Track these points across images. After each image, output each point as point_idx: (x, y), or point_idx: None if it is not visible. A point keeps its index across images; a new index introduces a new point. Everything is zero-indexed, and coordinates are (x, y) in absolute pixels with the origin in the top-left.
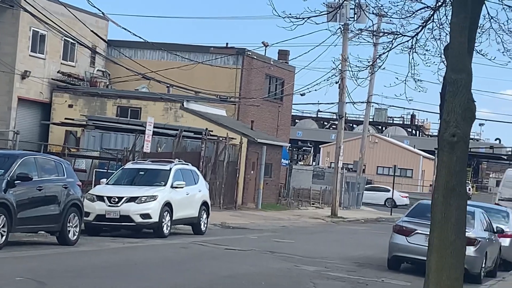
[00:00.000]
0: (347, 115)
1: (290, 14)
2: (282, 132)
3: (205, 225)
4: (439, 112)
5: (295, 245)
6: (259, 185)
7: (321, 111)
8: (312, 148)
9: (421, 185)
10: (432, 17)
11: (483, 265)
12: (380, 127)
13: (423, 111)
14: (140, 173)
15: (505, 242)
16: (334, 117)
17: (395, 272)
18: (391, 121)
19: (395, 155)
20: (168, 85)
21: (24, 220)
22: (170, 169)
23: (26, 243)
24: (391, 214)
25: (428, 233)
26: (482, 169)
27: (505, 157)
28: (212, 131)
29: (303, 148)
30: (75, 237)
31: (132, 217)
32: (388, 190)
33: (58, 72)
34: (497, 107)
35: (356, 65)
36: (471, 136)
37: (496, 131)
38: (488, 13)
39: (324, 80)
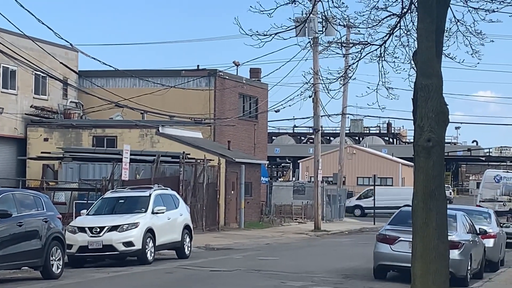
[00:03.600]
0: (323, 128)
1: (257, 31)
2: (259, 150)
3: (189, 249)
4: (413, 118)
5: (280, 262)
6: (241, 205)
7: (297, 126)
8: (291, 163)
9: None
10: (398, 24)
11: (469, 268)
12: (357, 138)
13: (399, 118)
14: (120, 201)
15: (489, 243)
16: (311, 131)
17: (382, 281)
18: (367, 131)
19: (374, 164)
20: (142, 112)
21: (6, 257)
22: (150, 195)
23: (10, 280)
24: (374, 224)
25: (411, 239)
26: (461, 172)
27: (483, 159)
28: (189, 154)
29: (282, 164)
30: (59, 270)
31: (115, 246)
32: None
33: (31, 106)
34: (470, 110)
35: (327, 78)
36: (448, 140)
37: (473, 134)
38: (454, 16)
39: (298, 95)
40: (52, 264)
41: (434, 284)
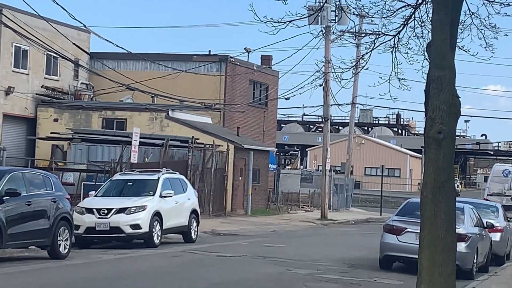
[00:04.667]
0: (332, 118)
1: (271, 18)
2: (268, 137)
3: (196, 233)
4: (424, 109)
5: (286, 249)
6: (248, 191)
7: (306, 115)
8: (299, 151)
9: (409, 184)
10: (413, 15)
11: (475, 261)
12: (366, 128)
13: (408, 110)
14: (128, 184)
15: (495, 236)
16: (320, 120)
17: (388, 272)
18: (376, 122)
19: (382, 155)
20: (153, 95)
21: (14, 235)
22: (158, 178)
23: (17, 259)
24: (380, 214)
25: (419, 231)
26: (469, 165)
27: (492, 153)
28: (198, 139)
29: (290, 152)
30: (66, 250)
31: (122, 228)
32: None
33: (42, 86)
34: (480, 103)
35: (339, 67)
36: (457, 133)
37: (482, 127)
38: (468, 9)
39: (308, 83)
40: (60, 244)
41: (440, 276)
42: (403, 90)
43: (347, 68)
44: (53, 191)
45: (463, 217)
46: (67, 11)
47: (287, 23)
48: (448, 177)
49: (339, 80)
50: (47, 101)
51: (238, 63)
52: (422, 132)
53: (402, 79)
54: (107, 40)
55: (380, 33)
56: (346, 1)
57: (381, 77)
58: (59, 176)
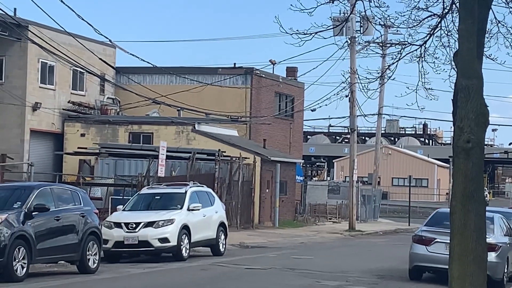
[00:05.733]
0: (358, 128)
1: (297, 30)
2: (294, 149)
3: (224, 246)
4: (452, 119)
5: (314, 261)
6: (275, 203)
7: (332, 126)
8: (326, 163)
9: (437, 194)
10: (439, 25)
11: (505, 270)
12: (392, 138)
13: (435, 119)
14: (156, 197)
15: None
16: (346, 131)
17: (418, 282)
18: (403, 132)
19: (409, 165)
20: (179, 109)
21: (43, 251)
22: (186, 192)
23: (47, 274)
24: (409, 225)
25: (448, 241)
26: (497, 174)
27: None
28: (225, 151)
29: (317, 163)
30: (95, 265)
31: (151, 242)
32: None
33: (68, 102)
34: (506, 112)
35: (365, 77)
36: (485, 142)
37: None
38: (495, 17)
39: (334, 95)
40: (89, 259)
41: (471, 286)
42: (430, 100)
43: (373, 79)
44: (82, 205)
45: (493, 227)
46: (92, 27)
47: (313, 34)
48: (478, 187)
49: (365, 90)
50: (73, 116)
51: (264, 75)
52: (449, 142)
53: (429, 89)
54: (133, 55)
55: (406, 43)
56: (371, 11)
57: (408, 87)
58: (87, 190)
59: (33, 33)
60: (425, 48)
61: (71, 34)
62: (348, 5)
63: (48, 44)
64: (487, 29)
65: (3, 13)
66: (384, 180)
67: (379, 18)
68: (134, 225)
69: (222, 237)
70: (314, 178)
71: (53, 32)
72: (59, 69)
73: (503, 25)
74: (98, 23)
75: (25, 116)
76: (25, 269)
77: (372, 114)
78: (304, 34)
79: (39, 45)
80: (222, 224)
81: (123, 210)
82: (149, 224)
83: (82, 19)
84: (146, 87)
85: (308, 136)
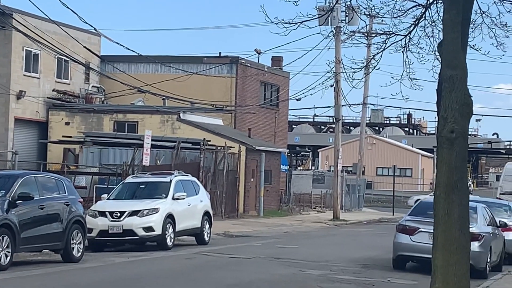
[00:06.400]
0: (343, 118)
1: (282, 19)
2: (279, 138)
3: (208, 235)
4: (436, 109)
5: (299, 250)
6: (260, 192)
7: (317, 115)
8: (311, 152)
9: (421, 183)
10: (424, 15)
11: (488, 260)
12: (377, 128)
13: (419, 109)
14: (141, 186)
15: (508, 235)
16: (331, 120)
17: (401, 272)
18: (387, 122)
19: (393, 155)
20: (164, 98)
21: (27, 239)
22: (171, 181)
23: (31, 263)
24: (393, 214)
25: (432, 231)
26: (481, 164)
27: (504, 151)
28: (210, 141)
29: (302, 153)
30: (80, 253)
31: (135, 231)
32: None
33: (53, 90)
34: (491, 102)
35: (350, 67)
36: (469, 132)
37: (493, 126)
38: (479, 7)
39: (319, 84)
40: (73, 248)
41: (454, 275)
42: (415, 89)
43: (358, 68)
44: (66, 194)
45: (476, 216)
46: (77, 15)
47: (298, 24)
48: (461, 177)
49: (350, 80)
50: (58, 104)
51: (249, 65)
52: (434, 132)
53: (413, 79)
54: (118, 43)
55: (391, 33)
56: (356, 1)
57: (392, 77)
58: (72, 179)
59: (17, 21)
60: (410, 38)
61: (56, 22)
62: None
63: (33, 32)
64: (471, 20)
65: None
66: (369, 170)
67: (364, 8)
68: (118, 214)
69: (207, 226)
70: (299, 168)
71: (37, 20)
72: (44, 57)
73: (487, 15)
74: (83, 11)
75: (9, 105)
76: (9, 258)
77: (357, 104)
78: (290, 23)
79: (23, 33)
80: (206, 213)
81: (108, 199)
82: (134, 213)
83: (67, 7)
84: (131, 76)
85: (293, 126)
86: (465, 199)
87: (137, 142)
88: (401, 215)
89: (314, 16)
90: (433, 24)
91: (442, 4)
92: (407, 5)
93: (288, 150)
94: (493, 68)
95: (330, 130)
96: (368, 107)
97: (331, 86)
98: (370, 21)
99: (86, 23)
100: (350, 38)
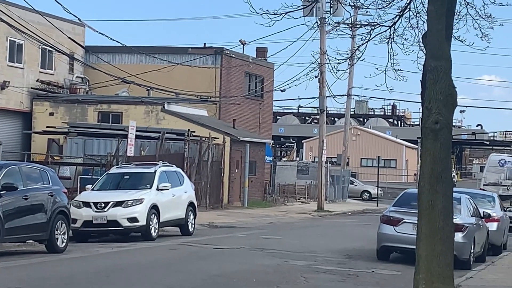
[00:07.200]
0: (328, 109)
1: (267, 10)
2: (264, 129)
3: (193, 226)
4: (420, 100)
5: (283, 241)
6: (244, 183)
7: (302, 106)
8: (295, 143)
9: (405, 174)
10: (408, 6)
11: (472, 251)
12: (361, 119)
13: (404, 101)
14: (125, 177)
15: (492, 226)
16: (315, 111)
17: (385, 262)
18: (372, 113)
19: (378, 146)
20: (148, 88)
21: (11, 230)
22: (155, 171)
23: (15, 253)
24: (377, 205)
25: (416, 221)
26: (465, 155)
27: (488, 143)
28: (194, 131)
29: (286, 144)
30: (64, 244)
31: (120, 222)
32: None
33: (37, 80)
34: (475, 93)
35: (335, 58)
36: (453, 123)
37: (477, 117)
38: None
39: (304, 75)
40: (57, 238)
41: (438, 266)
42: (399, 81)
43: (343, 59)
44: (50, 185)
45: (460, 207)
46: (61, 5)
47: (283, 15)
48: (445, 168)
49: (335, 71)
50: (42, 95)
51: (234, 56)
52: (418, 123)
53: (398, 70)
54: (102, 34)
55: (375, 24)
56: None
57: (377, 68)
58: (56, 170)
59: (1, 11)
60: (394, 29)
61: (40, 13)
62: None
63: (17, 22)
64: (456, 11)
65: None
66: (353, 161)
67: None
68: (103, 205)
69: (191, 217)
70: (284, 159)
71: (21, 10)
72: (28, 47)
73: (472, 6)
74: (67, 1)
75: None
76: None
77: (342, 95)
78: (274, 14)
79: (7, 23)
80: (191, 204)
81: (92, 189)
82: (118, 204)
83: None
84: (115, 67)
85: (278, 117)
86: (449, 190)
87: (121, 132)
88: (385, 206)
89: (299, 7)
90: (417, 15)
91: None
92: None
93: (272, 141)
94: (478, 59)
95: (315, 121)
96: (353, 98)
97: (316, 77)
98: (354, 12)
99: (70, 13)
100: (335, 29)
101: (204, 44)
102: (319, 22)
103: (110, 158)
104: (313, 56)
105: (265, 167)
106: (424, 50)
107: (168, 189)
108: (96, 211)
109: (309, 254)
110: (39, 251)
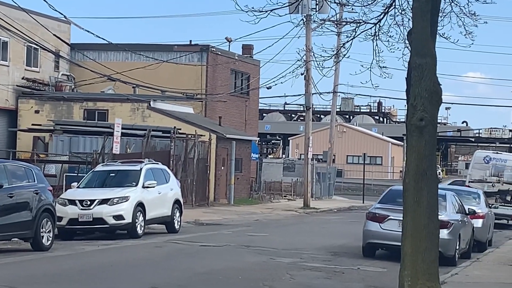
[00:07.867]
0: (314, 106)
1: (252, 7)
2: (250, 127)
3: (179, 223)
4: (406, 97)
5: (269, 238)
6: (230, 181)
7: (288, 104)
8: (281, 140)
9: (391, 171)
10: (393, 3)
11: (457, 247)
12: (347, 116)
13: (390, 98)
14: (111, 174)
15: (477, 223)
16: (301, 108)
17: (371, 259)
18: (358, 110)
19: (364, 143)
20: (134, 86)
21: None
22: (141, 169)
23: (0, 251)
24: (363, 202)
25: (401, 218)
26: (450, 152)
27: (473, 140)
28: (180, 129)
29: (272, 141)
30: (49, 242)
31: (105, 219)
32: None
33: (22, 78)
34: (460, 90)
35: (320, 55)
36: (438, 121)
37: (463, 115)
38: None
39: (290, 72)
40: (42, 236)
41: (423, 262)
42: (384, 78)
43: (328, 57)
44: (35, 183)
45: (445, 204)
46: (47, 2)
47: (269, 12)
48: (430, 164)
49: (321, 68)
50: (28, 92)
51: (219, 53)
52: (404, 120)
53: (383, 67)
54: (88, 31)
55: (360, 21)
56: None
57: (362, 66)
58: (41, 167)
59: None
60: (380, 26)
61: (25, 10)
62: None
63: (2, 19)
64: (440, 8)
65: None
66: (339, 158)
67: None
68: (88, 202)
69: (177, 214)
70: (270, 156)
71: (6, 7)
72: (13, 45)
73: (456, 4)
74: None
75: None
76: None
77: (327, 92)
78: (260, 11)
79: None
80: (177, 202)
81: (78, 187)
82: (104, 201)
83: None
84: (101, 64)
85: (264, 114)
86: (434, 187)
87: (107, 130)
88: (371, 203)
89: (284, 4)
90: (402, 12)
91: None
92: None
93: (258, 138)
94: (462, 56)
95: (301, 118)
96: (339, 95)
97: (302, 74)
98: (340, 10)
99: (56, 10)
100: (320, 27)
101: (190, 41)
102: (304, 20)
103: (95, 156)
104: (298, 53)
105: (251, 165)
106: (409, 47)
107: (154, 187)
108: (81, 209)
109: (295, 251)
110: (24, 249)
